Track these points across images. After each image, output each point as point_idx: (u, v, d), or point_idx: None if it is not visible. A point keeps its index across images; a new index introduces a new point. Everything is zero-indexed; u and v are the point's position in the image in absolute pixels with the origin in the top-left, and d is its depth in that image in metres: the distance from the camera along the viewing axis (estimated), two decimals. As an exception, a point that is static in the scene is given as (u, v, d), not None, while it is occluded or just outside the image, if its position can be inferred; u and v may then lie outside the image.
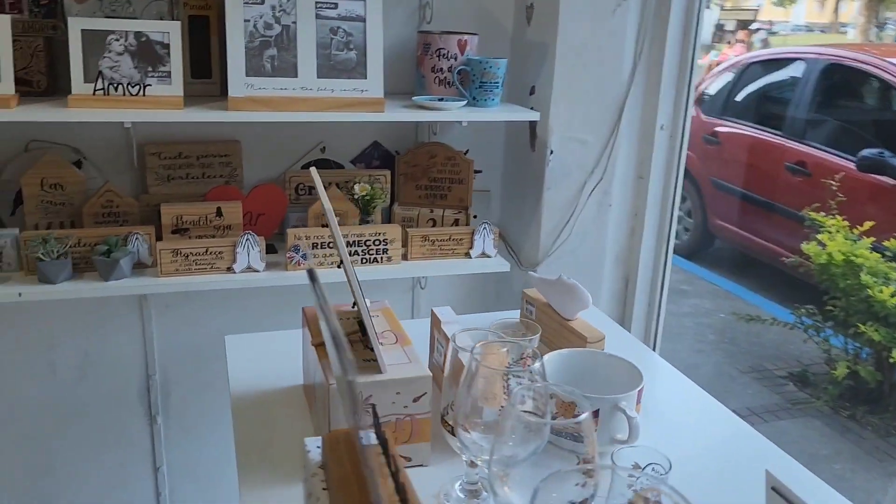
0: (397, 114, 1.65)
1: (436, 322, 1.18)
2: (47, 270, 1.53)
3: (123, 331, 1.89)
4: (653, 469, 0.87)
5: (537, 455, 0.72)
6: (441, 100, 1.71)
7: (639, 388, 1.02)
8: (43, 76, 1.60)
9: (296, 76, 1.58)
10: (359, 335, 1.03)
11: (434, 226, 1.84)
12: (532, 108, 1.84)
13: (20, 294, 1.51)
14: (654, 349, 2.02)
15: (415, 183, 1.89)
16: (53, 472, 1.94)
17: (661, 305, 2.04)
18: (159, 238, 1.65)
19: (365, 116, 1.61)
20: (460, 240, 1.79)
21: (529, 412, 0.76)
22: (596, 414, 0.99)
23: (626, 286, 2.05)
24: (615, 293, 2.05)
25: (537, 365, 0.83)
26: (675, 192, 1.96)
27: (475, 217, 1.91)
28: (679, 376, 1.31)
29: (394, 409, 0.94)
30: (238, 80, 1.54)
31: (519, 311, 1.40)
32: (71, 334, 1.86)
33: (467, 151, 1.96)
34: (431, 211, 1.86)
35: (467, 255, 1.80)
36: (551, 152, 1.84)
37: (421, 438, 0.97)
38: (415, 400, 0.94)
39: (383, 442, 0.63)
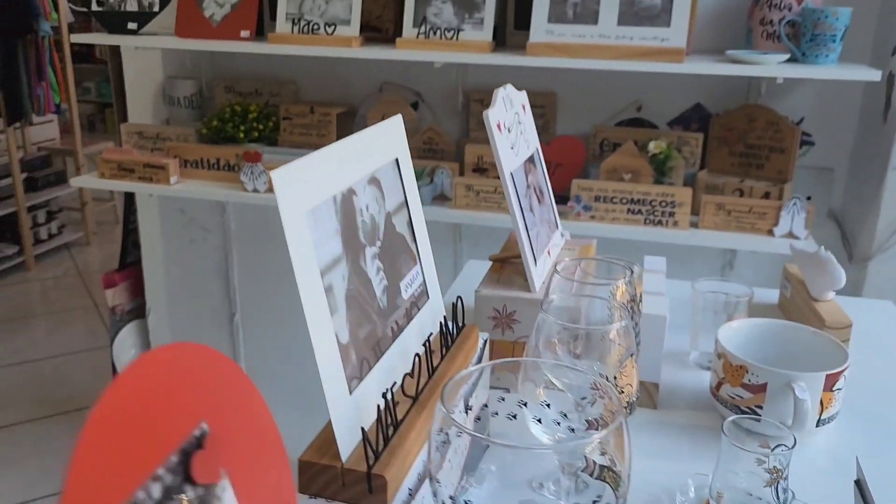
0: (699, 66, 1.52)
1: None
2: (365, 189, 1.78)
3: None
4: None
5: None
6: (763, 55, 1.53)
7: (829, 372, 0.82)
8: (391, 24, 1.85)
9: (595, 23, 1.57)
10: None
11: (741, 196, 1.66)
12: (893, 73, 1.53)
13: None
14: None
15: (728, 148, 1.73)
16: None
17: None
18: (461, 174, 1.79)
19: (660, 67, 1.52)
20: (763, 214, 1.59)
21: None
22: (763, 388, 0.83)
23: None
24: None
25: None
26: None
27: (809, 198, 1.66)
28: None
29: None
30: (539, 26, 1.59)
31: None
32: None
33: (801, 120, 1.72)
34: (741, 181, 1.68)
35: (770, 232, 1.59)
36: (903, 124, 1.52)
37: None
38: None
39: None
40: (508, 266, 1.01)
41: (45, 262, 4.24)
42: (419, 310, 0.73)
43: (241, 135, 1.91)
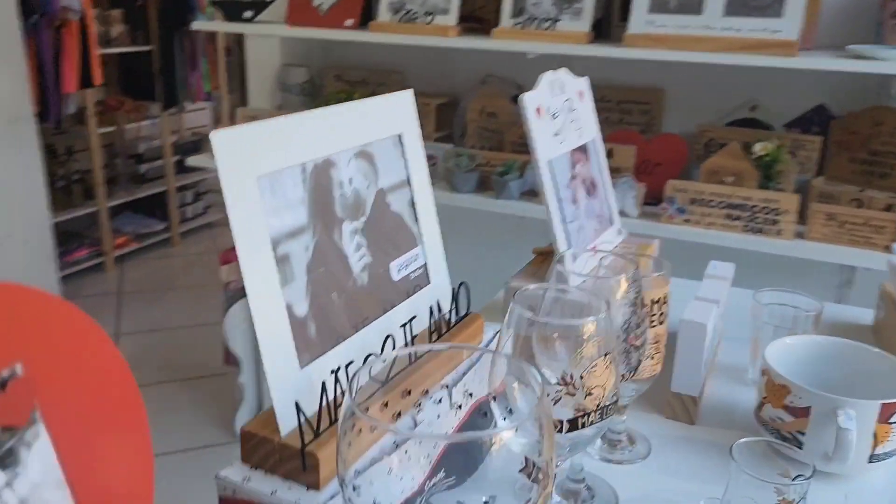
0: (816, 61, 1.39)
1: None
2: (455, 180, 1.77)
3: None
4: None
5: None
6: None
7: (886, 401, 0.71)
8: (493, 15, 1.81)
9: (700, 13, 1.46)
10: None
11: (859, 208, 1.50)
12: None
13: (430, 195, 1.78)
14: None
15: (849, 154, 1.56)
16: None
17: None
18: (553, 170, 1.74)
19: (771, 61, 1.40)
20: (881, 227, 1.43)
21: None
22: (806, 413, 0.74)
23: None
24: None
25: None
26: None
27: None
28: None
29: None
30: (639, 16, 1.51)
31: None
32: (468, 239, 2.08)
33: (940, 125, 1.52)
34: (861, 190, 1.51)
35: (887, 248, 1.43)
36: None
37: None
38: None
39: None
40: (552, 260, 0.96)
41: (189, 240, 4.54)
42: (413, 295, 0.70)
43: (343, 122, 1.95)
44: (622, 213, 1.62)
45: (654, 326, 0.73)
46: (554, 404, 0.55)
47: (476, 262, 1.93)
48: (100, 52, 3.66)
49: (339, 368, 0.57)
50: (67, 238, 3.74)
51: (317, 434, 0.54)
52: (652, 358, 0.74)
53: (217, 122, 5.05)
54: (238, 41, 2.51)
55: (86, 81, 3.56)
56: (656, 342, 0.74)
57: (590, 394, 0.54)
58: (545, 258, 0.96)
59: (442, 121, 1.97)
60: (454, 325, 0.71)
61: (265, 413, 0.57)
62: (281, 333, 0.55)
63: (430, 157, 1.84)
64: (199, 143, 4.79)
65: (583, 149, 0.98)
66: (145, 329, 3.40)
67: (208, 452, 2.27)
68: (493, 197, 1.74)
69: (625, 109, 1.80)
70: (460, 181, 1.76)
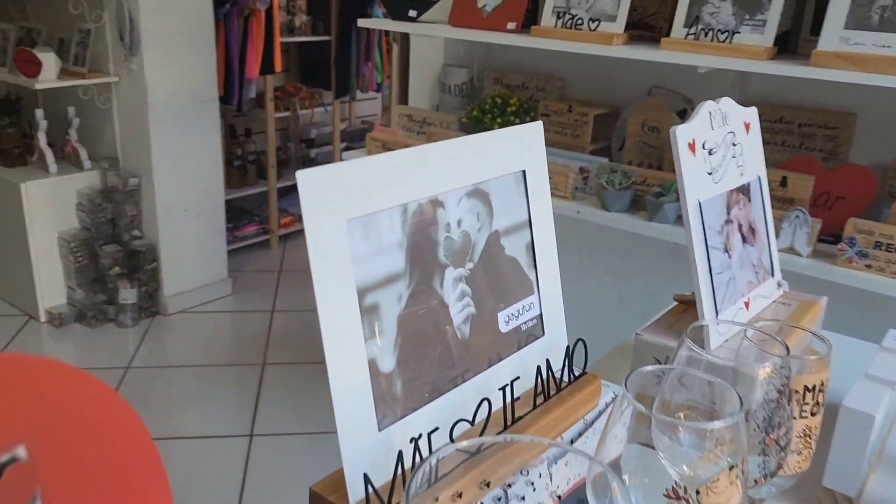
0: None
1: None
2: (607, 198, 1.66)
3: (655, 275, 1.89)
4: None
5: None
6: None
7: None
8: (665, 23, 1.69)
9: (907, 32, 1.27)
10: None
11: None
12: None
13: (578, 212, 1.69)
14: None
15: None
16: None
17: None
18: (716, 195, 1.59)
19: None
20: None
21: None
22: None
23: None
24: None
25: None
26: None
27: None
28: None
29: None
30: (833, 32, 1.34)
31: None
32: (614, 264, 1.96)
33: None
34: None
35: None
36: None
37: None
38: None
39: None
40: (694, 310, 0.85)
41: (349, 225, 4.69)
42: (523, 348, 0.63)
43: (497, 126, 1.90)
44: (791, 251, 1.45)
45: (804, 418, 0.62)
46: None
47: (620, 286, 1.82)
48: (282, 41, 3.84)
49: (420, 436, 0.51)
50: (238, 214, 3.97)
51: (387, 507, 0.49)
52: (800, 454, 0.63)
53: (385, 112, 5.17)
54: (406, 38, 2.53)
55: (267, 68, 3.74)
56: (806, 436, 0.63)
57: (704, 512, 0.46)
58: (686, 309, 0.86)
59: (599, 131, 1.87)
60: (564, 388, 0.64)
61: (337, 473, 0.52)
62: (358, 392, 0.50)
63: (582, 170, 1.74)
64: (366, 132, 4.92)
65: (744, 189, 0.86)
66: (298, 308, 3.53)
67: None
68: (646, 219, 1.62)
69: (807, 133, 1.62)
70: (612, 199, 1.66)
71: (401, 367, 0.53)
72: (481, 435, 0.56)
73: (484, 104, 1.95)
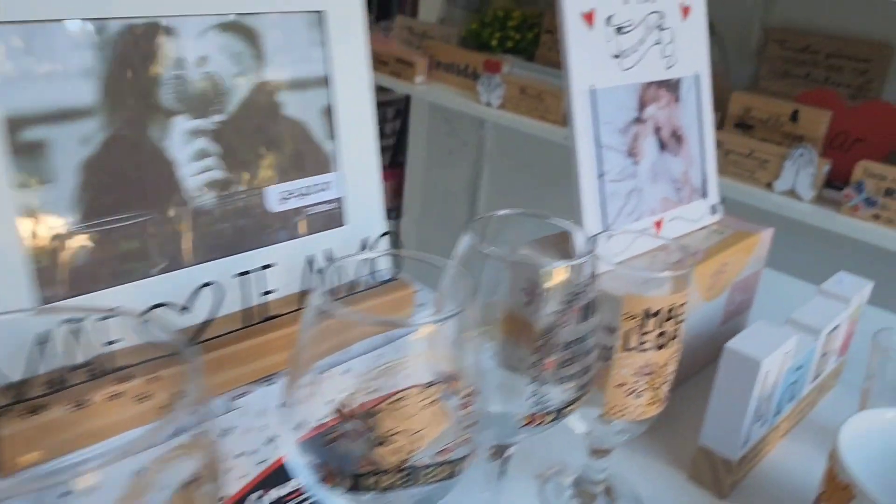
0: None
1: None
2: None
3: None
4: None
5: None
6: None
7: None
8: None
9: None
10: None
11: None
12: None
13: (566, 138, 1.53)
14: None
15: None
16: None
17: None
18: (719, 127, 1.41)
19: None
20: None
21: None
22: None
23: None
24: None
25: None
26: None
27: None
28: None
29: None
30: (862, -63, 1.13)
31: None
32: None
33: None
34: None
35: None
36: None
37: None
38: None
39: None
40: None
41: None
42: (307, 236, 0.51)
43: (495, 42, 1.73)
44: (792, 194, 1.27)
45: (643, 351, 0.48)
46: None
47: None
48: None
49: (82, 319, 0.40)
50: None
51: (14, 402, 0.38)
52: (639, 396, 0.49)
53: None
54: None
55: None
56: (648, 374, 0.49)
57: (382, 443, 0.33)
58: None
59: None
60: (357, 293, 0.51)
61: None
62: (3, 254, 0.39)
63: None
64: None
65: (670, 85, 0.70)
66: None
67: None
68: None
69: (833, 66, 1.41)
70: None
71: (84, 230, 0.41)
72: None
73: (485, 17, 1.78)
